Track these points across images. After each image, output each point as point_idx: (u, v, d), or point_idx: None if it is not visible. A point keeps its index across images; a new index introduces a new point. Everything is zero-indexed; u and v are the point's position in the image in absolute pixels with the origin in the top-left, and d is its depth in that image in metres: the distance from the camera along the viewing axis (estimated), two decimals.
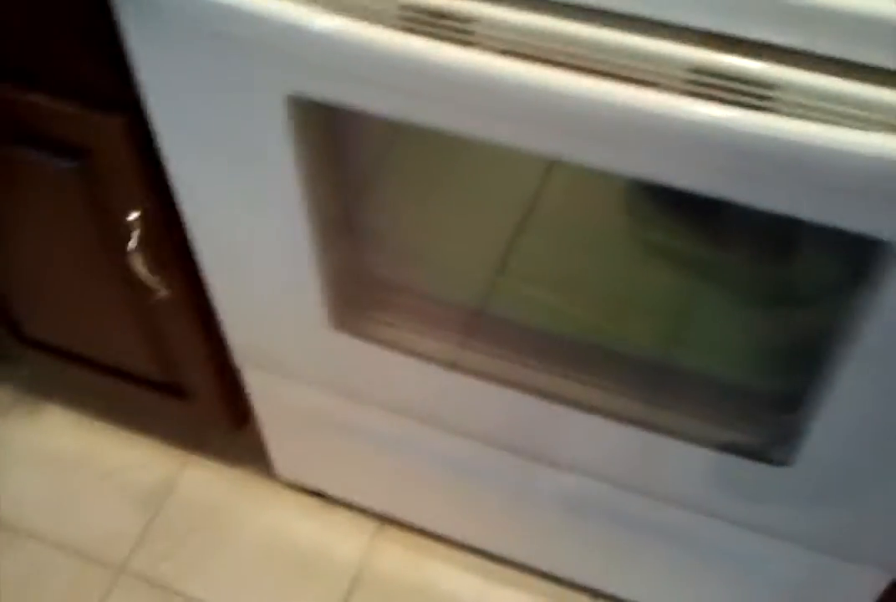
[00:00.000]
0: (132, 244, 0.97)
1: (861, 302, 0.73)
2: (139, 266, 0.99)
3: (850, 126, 0.60)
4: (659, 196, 0.82)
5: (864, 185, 0.62)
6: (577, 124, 0.65)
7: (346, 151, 0.90)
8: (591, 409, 0.98)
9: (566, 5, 0.63)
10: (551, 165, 0.85)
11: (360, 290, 1.04)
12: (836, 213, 0.66)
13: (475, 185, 0.95)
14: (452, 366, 1.01)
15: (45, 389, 1.48)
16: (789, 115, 0.60)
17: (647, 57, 0.62)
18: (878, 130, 0.60)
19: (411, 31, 0.66)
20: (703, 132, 0.61)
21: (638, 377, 1.00)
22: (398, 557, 1.34)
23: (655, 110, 0.61)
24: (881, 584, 1.02)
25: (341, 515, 1.37)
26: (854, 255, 0.73)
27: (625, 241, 0.94)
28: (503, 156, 0.73)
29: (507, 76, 0.63)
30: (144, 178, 0.93)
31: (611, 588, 1.27)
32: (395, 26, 0.66)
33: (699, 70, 0.61)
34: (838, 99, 0.59)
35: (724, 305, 0.95)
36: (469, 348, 1.01)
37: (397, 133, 0.85)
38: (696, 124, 0.61)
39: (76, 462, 1.44)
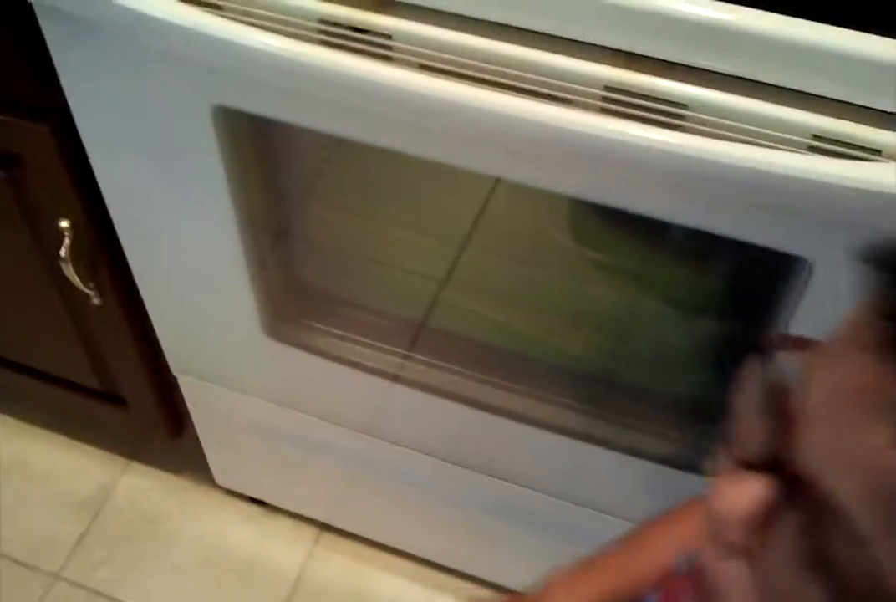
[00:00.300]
0: (63, 251, 0.96)
1: (783, 315, 0.74)
2: (70, 273, 0.99)
3: (762, 145, 0.61)
4: (599, 211, 0.83)
5: (775, 204, 0.63)
6: (491, 140, 0.65)
7: (280, 162, 0.90)
8: (529, 420, 0.98)
9: (485, 23, 0.63)
10: (495, 181, 0.85)
11: (298, 300, 1.04)
12: (755, 231, 0.67)
13: (418, 198, 0.95)
14: (392, 377, 1.01)
15: None
16: (701, 133, 0.61)
17: (563, 75, 0.62)
18: (789, 150, 0.60)
19: (330, 45, 0.66)
20: (616, 149, 0.62)
21: (577, 389, 1.00)
22: (338, 565, 1.34)
23: (568, 127, 0.61)
24: None
25: (282, 523, 1.37)
26: (778, 270, 0.74)
27: (567, 257, 0.95)
28: (444, 170, 0.73)
29: (422, 91, 0.63)
30: (75, 187, 0.92)
31: None
32: (314, 40, 0.66)
33: (613, 88, 0.62)
34: (749, 118, 0.60)
35: (659, 317, 0.96)
36: (409, 360, 1.01)
37: (335, 144, 0.85)
38: (607, 141, 0.61)
39: (14, 467, 1.42)
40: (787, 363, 0.37)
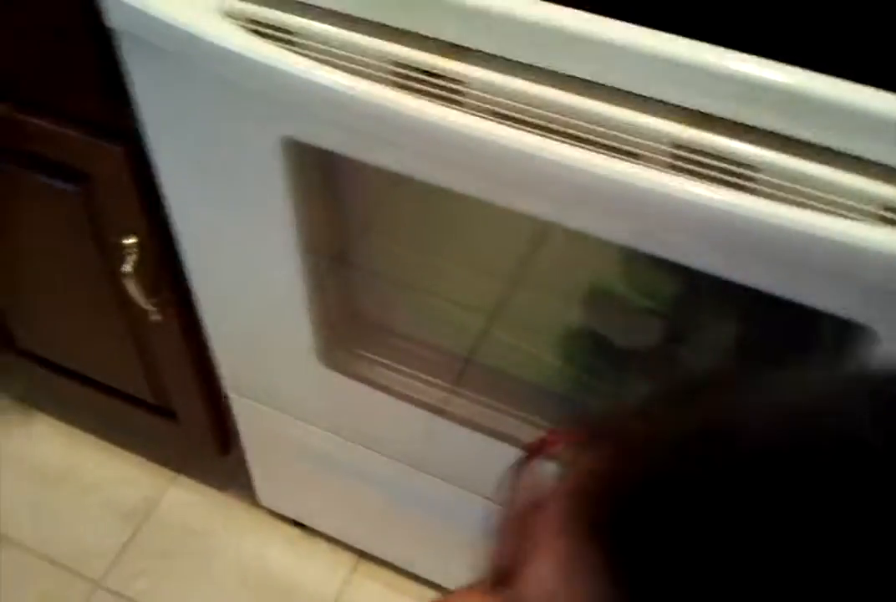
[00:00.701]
0: (127, 268, 0.98)
1: None
2: (133, 290, 1.00)
3: (829, 212, 0.59)
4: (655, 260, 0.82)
5: (839, 272, 0.62)
6: (555, 190, 0.65)
7: (343, 193, 0.91)
8: None
9: (558, 74, 0.63)
10: (548, 225, 0.85)
11: (352, 329, 1.04)
12: (815, 296, 0.66)
13: (473, 234, 0.95)
14: (438, 411, 1.01)
15: (36, 400, 1.49)
16: (770, 196, 0.60)
17: (632, 129, 0.62)
18: (858, 219, 0.59)
19: (402, 87, 0.66)
20: (681, 208, 0.61)
21: None
22: (374, 593, 1.34)
23: (634, 182, 0.61)
24: None
25: (321, 547, 1.37)
26: (840, 336, 0.72)
27: (617, 302, 0.94)
28: (499, 209, 0.73)
29: (491, 139, 0.63)
30: (142, 206, 0.93)
31: None
32: (387, 81, 0.66)
33: (684, 146, 0.61)
34: (818, 185, 0.59)
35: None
36: (456, 394, 1.01)
37: (396, 179, 0.85)
38: (673, 199, 0.61)
39: (62, 474, 1.44)
40: (548, 470, 0.35)
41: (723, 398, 0.34)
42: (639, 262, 0.87)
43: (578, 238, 0.81)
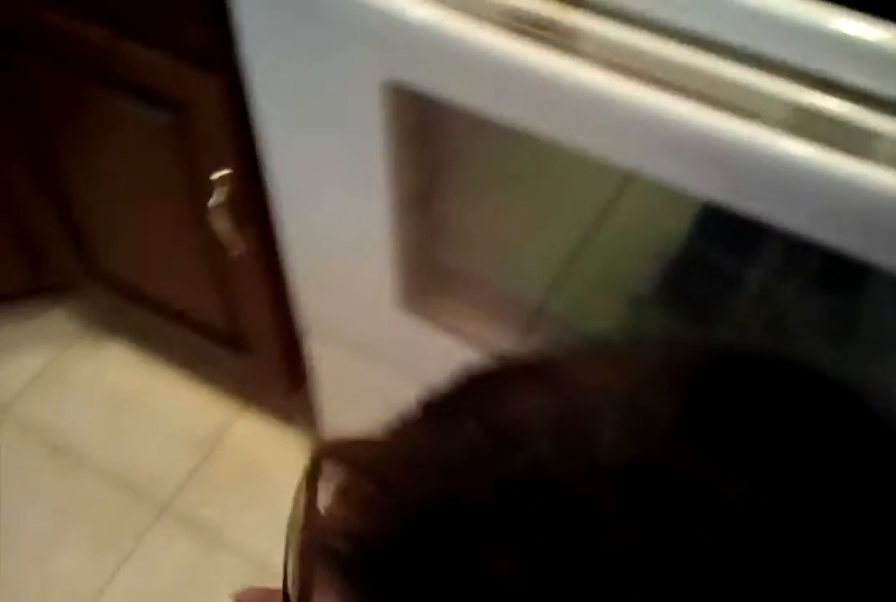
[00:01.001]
0: (215, 201, 0.98)
1: None
2: (220, 222, 1.00)
3: None
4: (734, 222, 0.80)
5: None
6: (662, 145, 0.64)
7: (435, 138, 0.90)
8: None
9: (673, 30, 0.61)
10: (630, 178, 0.83)
11: (430, 275, 1.04)
12: None
13: (553, 186, 0.94)
14: None
15: (112, 325, 1.50)
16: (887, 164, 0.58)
17: (749, 90, 0.60)
18: None
19: (515, 33, 0.64)
20: (789, 171, 0.59)
21: None
22: None
23: (749, 142, 0.59)
24: None
25: None
26: None
27: (689, 261, 0.93)
28: (583, 162, 0.72)
29: (603, 89, 0.62)
30: (236, 139, 0.93)
31: None
32: (499, 27, 0.65)
33: (800, 109, 0.59)
34: None
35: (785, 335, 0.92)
36: (527, 346, 1.00)
37: (486, 126, 0.84)
38: (790, 163, 0.59)
39: (133, 399, 1.46)
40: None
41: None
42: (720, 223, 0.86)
43: (662, 194, 0.80)
